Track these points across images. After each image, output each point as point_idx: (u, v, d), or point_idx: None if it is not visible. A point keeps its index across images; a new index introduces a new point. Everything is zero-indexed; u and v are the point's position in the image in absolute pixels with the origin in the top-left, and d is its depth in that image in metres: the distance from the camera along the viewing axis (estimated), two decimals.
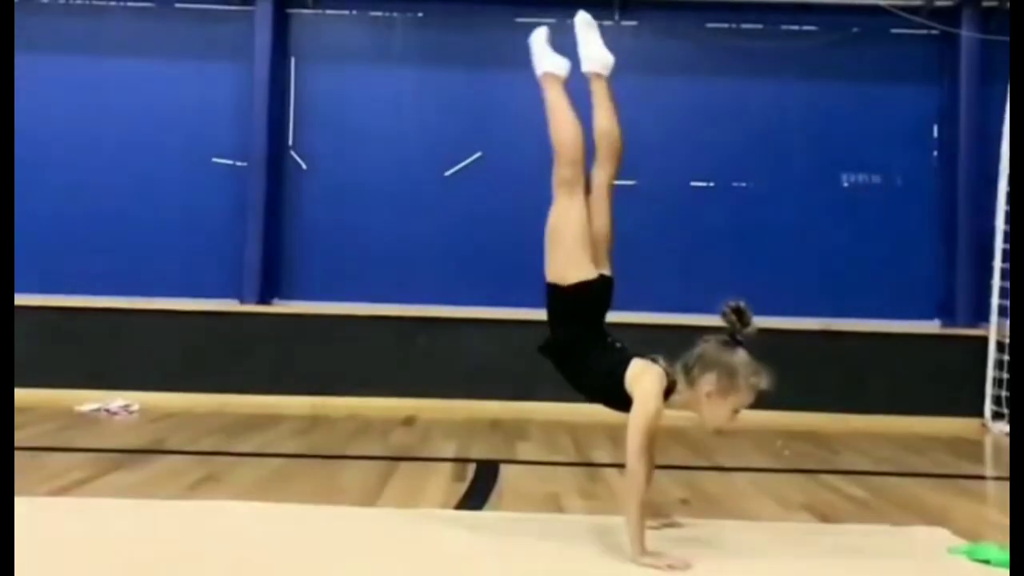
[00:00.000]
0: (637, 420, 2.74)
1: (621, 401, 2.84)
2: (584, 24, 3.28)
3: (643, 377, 2.82)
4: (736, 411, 2.81)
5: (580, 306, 3.02)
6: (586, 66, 3.25)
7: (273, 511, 3.26)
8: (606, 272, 3.07)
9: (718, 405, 2.80)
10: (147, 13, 7.30)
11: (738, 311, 2.83)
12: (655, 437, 2.97)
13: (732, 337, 2.83)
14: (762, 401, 2.82)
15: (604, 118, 3.20)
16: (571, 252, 3.05)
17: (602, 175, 3.20)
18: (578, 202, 3.11)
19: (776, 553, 2.90)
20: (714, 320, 2.90)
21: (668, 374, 2.83)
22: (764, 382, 2.78)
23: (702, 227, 7.20)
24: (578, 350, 2.99)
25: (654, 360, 2.88)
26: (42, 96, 7.06)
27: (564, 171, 3.15)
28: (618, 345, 2.99)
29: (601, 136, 3.20)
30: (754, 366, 2.78)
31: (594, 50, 3.24)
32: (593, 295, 3.02)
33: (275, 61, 7.20)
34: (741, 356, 2.80)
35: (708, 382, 2.78)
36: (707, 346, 2.84)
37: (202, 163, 7.22)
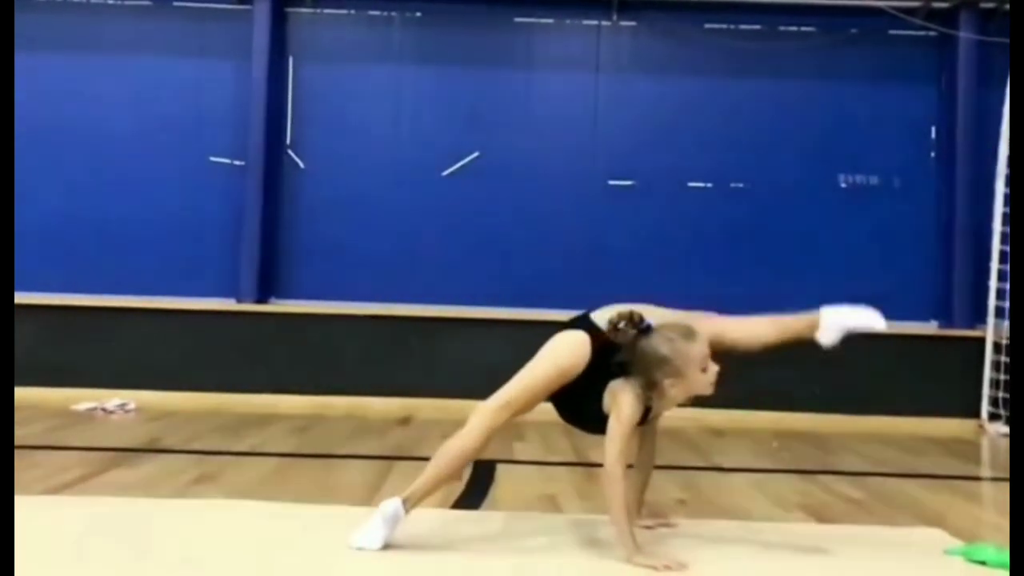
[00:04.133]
0: (613, 427, 2.78)
1: (604, 424, 2.83)
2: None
3: (618, 392, 2.83)
4: (703, 368, 2.79)
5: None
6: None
7: (270, 510, 3.26)
8: None
9: (686, 383, 2.79)
10: (145, 12, 7.29)
11: (626, 322, 2.80)
12: (656, 439, 2.99)
13: (638, 332, 2.80)
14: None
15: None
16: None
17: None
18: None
19: (772, 554, 2.91)
20: None
21: (641, 387, 2.83)
22: (687, 330, 2.78)
23: (700, 228, 7.20)
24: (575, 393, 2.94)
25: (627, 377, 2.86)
26: (39, 95, 7.05)
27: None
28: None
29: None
30: (668, 333, 2.78)
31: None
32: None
33: (273, 60, 7.20)
34: (655, 338, 2.78)
35: (660, 379, 2.78)
36: (631, 360, 2.81)
37: (200, 162, 7.22)
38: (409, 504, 2.83)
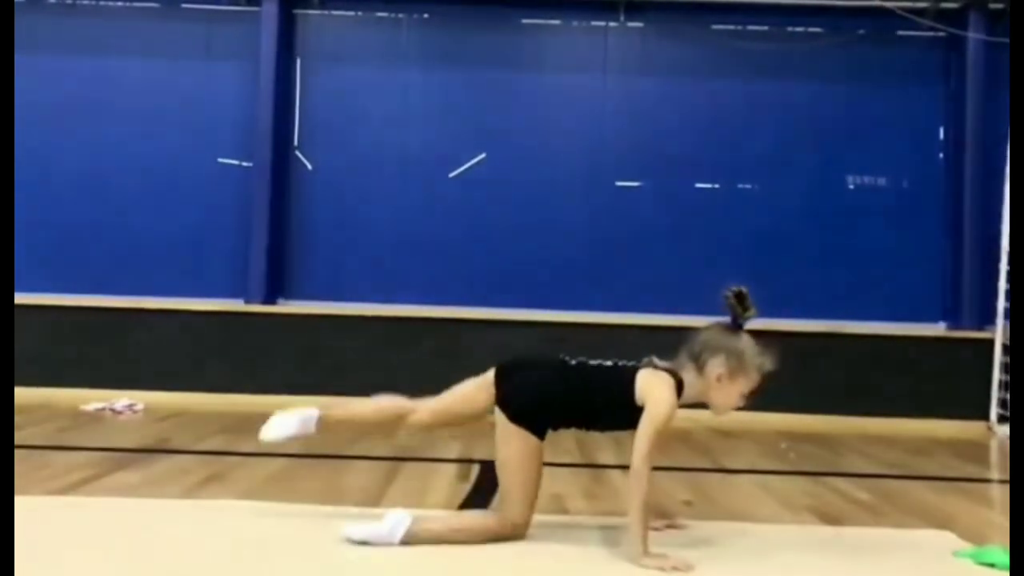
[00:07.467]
0: (648, 424, 2.75)
1: (636, 419, 2.80)
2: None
3: (654, 385, 2.82)
4: (744, 394, 2.86)
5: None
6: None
7: (277, 511, 3.26)
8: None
9: (728, 388, 2.85)
10: (152, 13, 7.31)
11: (740, 296, 2.87)
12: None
13: (734, 322, 2.88)
14: (765, 384, 2.87)
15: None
16: None
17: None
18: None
19: (780, 556, 2.90)
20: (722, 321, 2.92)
21: (673, 373, 2.84)
22: (769, 363, 2.85)
23: (707, 229, 7.20)
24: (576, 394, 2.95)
25: (655, 365, 2.88)
26: (47, 96, 7.09)
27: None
28: (608, 364, 2.95)
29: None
30: (758, 348, 2.86)
31: None
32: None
33: (281, 61, 7.22)
34: (746, 339, 2.86)
35: (717, 365, 2.82)
36: (711, 332, 2.88)
37: (208, 163, 7.24)
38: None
